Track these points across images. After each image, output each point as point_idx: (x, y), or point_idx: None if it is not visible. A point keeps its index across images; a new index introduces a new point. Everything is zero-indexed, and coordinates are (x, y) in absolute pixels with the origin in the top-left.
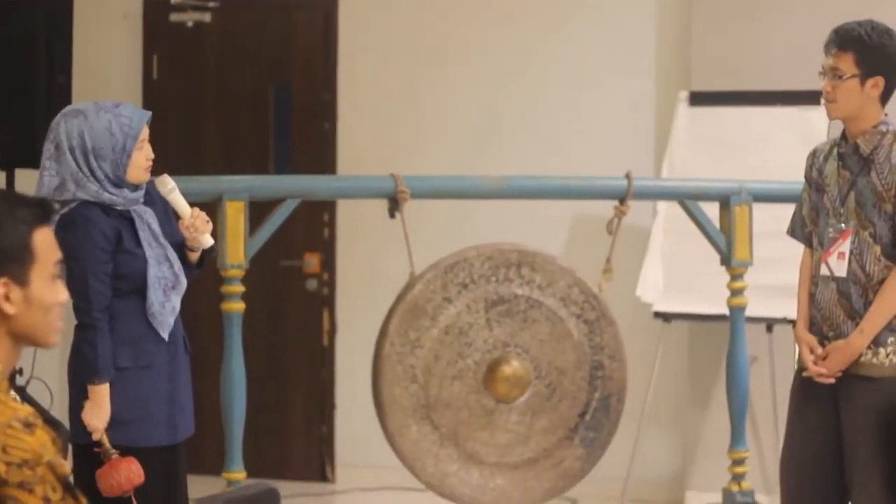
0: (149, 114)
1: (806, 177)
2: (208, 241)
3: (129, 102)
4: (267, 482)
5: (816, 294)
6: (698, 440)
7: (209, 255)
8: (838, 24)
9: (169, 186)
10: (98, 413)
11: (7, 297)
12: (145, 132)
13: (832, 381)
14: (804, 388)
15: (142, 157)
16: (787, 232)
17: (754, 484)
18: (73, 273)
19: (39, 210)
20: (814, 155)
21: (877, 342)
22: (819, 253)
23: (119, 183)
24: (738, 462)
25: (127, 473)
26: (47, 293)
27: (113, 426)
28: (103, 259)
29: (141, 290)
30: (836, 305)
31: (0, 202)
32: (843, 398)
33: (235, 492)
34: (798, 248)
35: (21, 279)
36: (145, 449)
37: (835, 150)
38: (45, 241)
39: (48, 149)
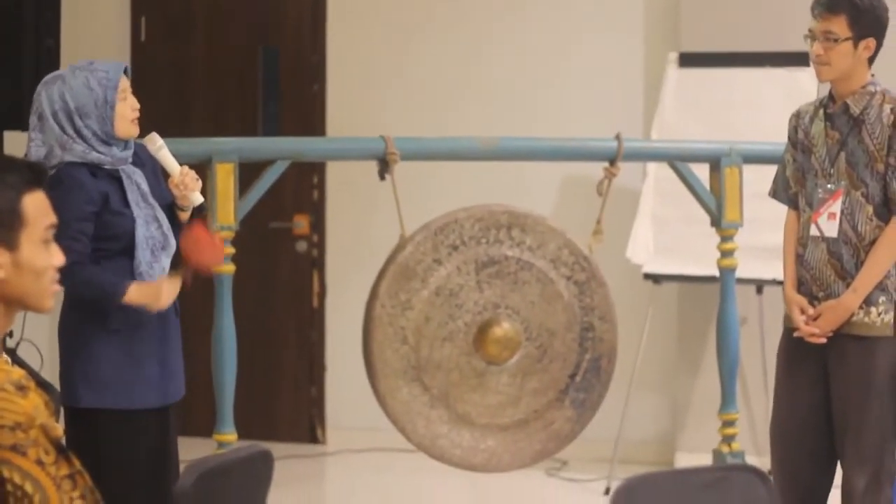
0: (124, 64)
1: (790, 138)
2: (198, 198)
3: (104, 59)
4: (260, 444)
5: (805, 255)
6: (688, 401)
7: (199, 215)
8: None
9: (157, 144)
10: (160, 293)
11: None
12: (125, 83)
13: (823, 340)
14: (793, 348)
15: (126, 108)
16: (770, 194)
17: (744, 445)
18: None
19: (30, 173)
20: (798, 116)
21: (868, 302)
22: (807, 213)
23: (107, 139)
24: (728, 423)
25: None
26: (39, 257)
27: (104, 388)
28: (83, 217)
29: (129, 251)
30: (827, 265)
31: None
32: (833, 357)
33: (228, 454)
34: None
35: (10, 243)
36: (137, 411)
37: (821, 111)
38: (36, 204)
39: (32, 121)
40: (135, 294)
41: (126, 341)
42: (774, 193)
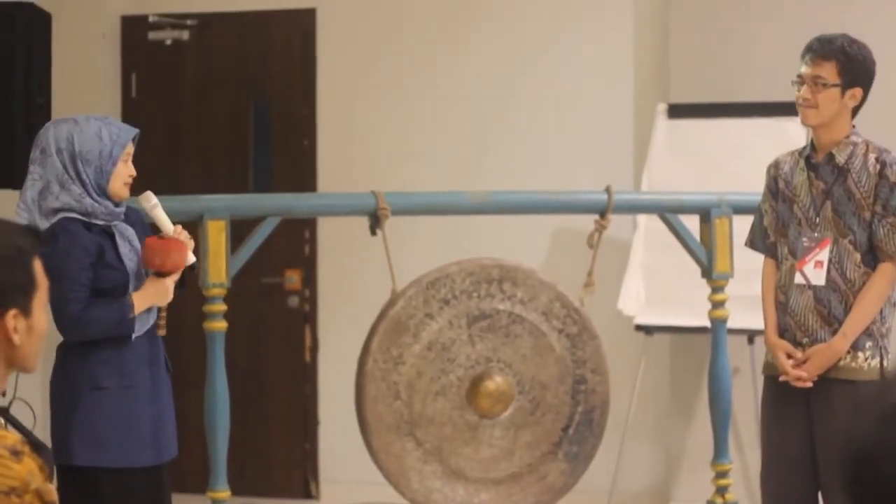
0: (137, 130)
1: (768, 187)
2: (190, 258)
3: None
4: (254, 501)
5: (790, 302)
6: (682, 452)
7: (190, 274)
8: (812, 36)
9: (152, 202)
10: (165, 287)
11: (15, 329)
12: (131, 148)
13: (810, 384)
14: (778, 394)
15: (125, 171)
16: (746, 244)
17: (738, 496)
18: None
19: (35, 238)
20: (776, 166)
21: (855, 347)
22: (790, 262)
23: (100, 192)
24: (721, 474)
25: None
26: (43, 320)
27: (100, 446)
28: (82, 267)
29: None
30: (813, 312)
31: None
32: (818, 401)
33: None
34: None
35: (26, 309)
36: (130, 470)
37: (801, 161)
38: (40, 268)
39: (34, 155)
40: (139, 301)
41: (118, 399)
42: (751, 243)
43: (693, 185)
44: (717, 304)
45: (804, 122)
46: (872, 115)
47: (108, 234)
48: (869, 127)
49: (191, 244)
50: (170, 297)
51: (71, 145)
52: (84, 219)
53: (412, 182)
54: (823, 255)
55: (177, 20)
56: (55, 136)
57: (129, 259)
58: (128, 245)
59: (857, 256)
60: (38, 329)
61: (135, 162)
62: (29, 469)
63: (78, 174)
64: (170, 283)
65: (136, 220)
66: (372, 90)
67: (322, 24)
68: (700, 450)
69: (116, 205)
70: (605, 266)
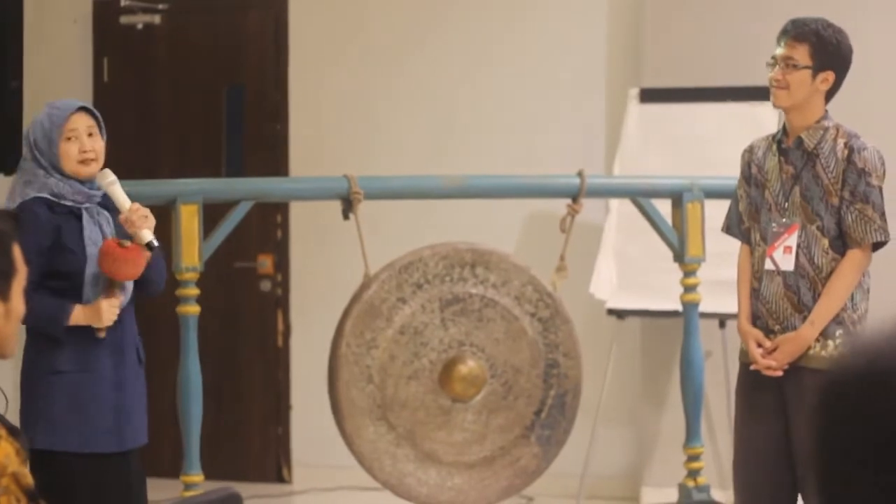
0: (76, 104)
1: (742, 173)
2: (146, 236)
3: (69, 98)
4: (229, 487)
5: (761, 289)
6: (654, 436)
7: (151, 252)
8: (786, 20)
9: (108, 179)
10: (100, 311)
11: None
12: (74, 122)
13: (780, 373)
14: (751, 382)
15: (72, 148)
16: (723, 229)
17: (710, 479)
18: None
19: (15, 222)
20: (751, 151)
21: (825, 335)
22: (761, 248)
23: (61, 174)
24: (693, 458)
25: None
26: (21, 305)
27: (54, 430)
28: (35, 250)
29: (79, 289)
30: (783, 299)
31: None
32: (790, 390)
33: (197, 498)
34: None
35: (4, 294)
36: (91, 455)
37: (774, 146)
38: (20, 253)
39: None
40: (79, 315)
41: (75, 384)
42: (727, 229)
43: (665, 170)
44: (688, 288)
45: (775, 104)
46: (859, 107)
47: (76, 215)
48: (858, 121)
49: (150, 222)
50: (106, 322)
51: (29, 135)
52: (52, 199)
53: (385, 166)
54: (792, 240)
55: (149, 4)
56: (30, 127)
57: (94, 243)
58: (96, 229)
59: (825, 242)
60: (15, 314)
61: (107, 147)
62: (6, 453)
63: (38, 162)
64: (106, 308)
65: (112, 204)
66: (344, 75)
67: (294, 9)
68: (672, 433)
69: (87, 185)
70: (578, 250)
